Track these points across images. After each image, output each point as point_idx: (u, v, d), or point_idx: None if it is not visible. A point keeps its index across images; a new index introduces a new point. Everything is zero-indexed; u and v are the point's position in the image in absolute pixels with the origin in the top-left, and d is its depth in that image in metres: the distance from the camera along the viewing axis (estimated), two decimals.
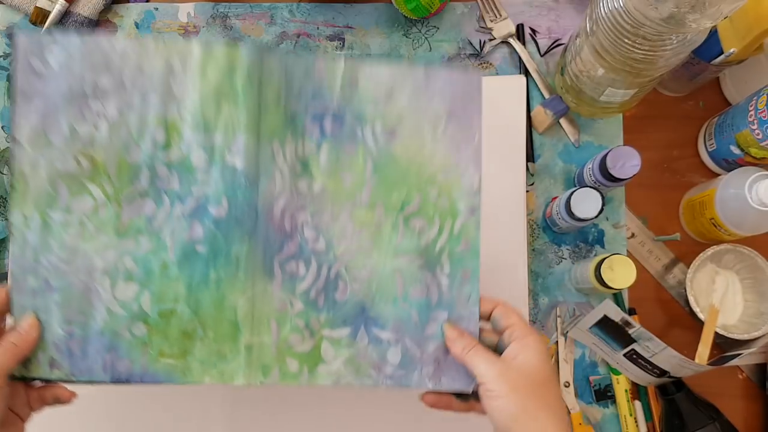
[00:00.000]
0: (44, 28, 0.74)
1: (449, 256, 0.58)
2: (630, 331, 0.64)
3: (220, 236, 0.55)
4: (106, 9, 0.77)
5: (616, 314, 0.63)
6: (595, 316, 0.65)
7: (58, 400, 0.55)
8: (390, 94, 0.58)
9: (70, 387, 0.55)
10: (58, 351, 0.55)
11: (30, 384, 0.55)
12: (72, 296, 0.54)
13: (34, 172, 0.54)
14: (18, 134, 0.54)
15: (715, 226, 0.67)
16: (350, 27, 0.77)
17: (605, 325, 0.65)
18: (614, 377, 0.70)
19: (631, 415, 0.70)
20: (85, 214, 0.54)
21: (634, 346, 0.65)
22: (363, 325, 0.57)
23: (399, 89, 0.58)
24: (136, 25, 0.77)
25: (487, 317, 0.58)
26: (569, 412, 0.70)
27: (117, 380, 0.55)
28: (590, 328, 0.66)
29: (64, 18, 0.75)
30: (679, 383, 0.68)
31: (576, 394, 0.71)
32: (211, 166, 0.55)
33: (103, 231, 0.55)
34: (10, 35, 0.77)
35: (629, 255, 0.73)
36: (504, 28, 0.76)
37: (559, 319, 0.72)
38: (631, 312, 0.72)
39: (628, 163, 0.65)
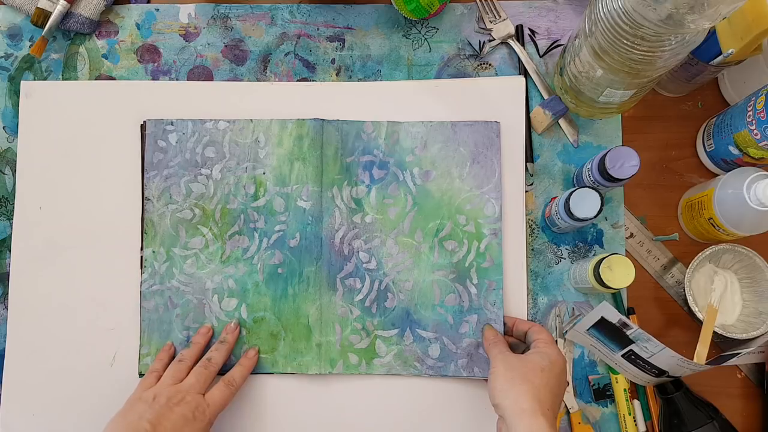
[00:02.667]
0: (45, 29, 0.74)
1: (476, 270, 0.71)
2: (628, 333, 0.64)
3: (295, 261, 0.71)
4: (107, 9, 0.78)
5: (614, 316, 0.63)
6: (593, 318, 0.65)
7: None
8: (424, 145, 0.72)
9: None
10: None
11: None
12: (189, 309, 0.71)
13: (160, 220, 0.71)
14: (149, 194, 0.72)
15: (714, 226, 0.67)
16: (350, 28, 0.77)
17: (603, 327, 0.65)
18: (613, 377, 0.71)
19: (630, 414, 0.70)
20: (199, 249, 0.71)
21: (632, 347, 0.65)
22: (408, 326, 0.70)
23: (431, 141, 0.72)
24: (137, 26, 0.78)
25: (523, 336, 0.68)
26: (568, 411, 0.71)
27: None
28: (588, 330, 0.66)
29: (65, 19, 0.75)
30: (677, 383, 0.68)
31: (575, 394, 0.71)
32: (287, 209, 0.71)
33: (212, 261, 0.71)
34: (11, 35, 0.78)
35: (628, 255, 0.73)
36: (503, 29, 0.77)
37: (558, 319, 0.72)
38: (630, 312, 0.72)
39: (626, 163, 0.65)
